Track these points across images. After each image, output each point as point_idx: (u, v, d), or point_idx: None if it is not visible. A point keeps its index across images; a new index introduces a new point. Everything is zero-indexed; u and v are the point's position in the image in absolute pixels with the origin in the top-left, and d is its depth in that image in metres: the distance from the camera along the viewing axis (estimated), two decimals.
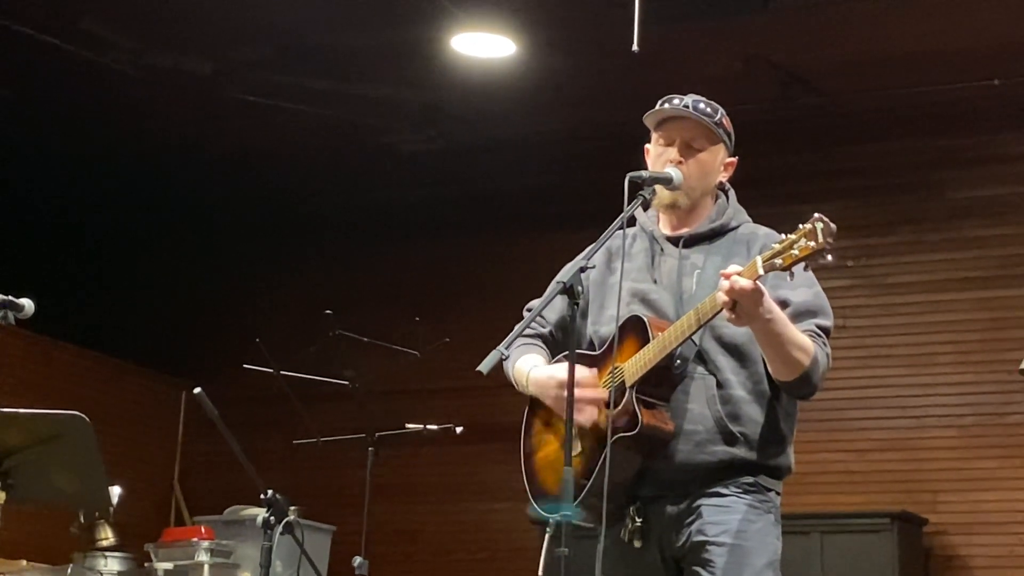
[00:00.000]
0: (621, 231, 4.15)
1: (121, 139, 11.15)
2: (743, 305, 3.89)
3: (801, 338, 4.06)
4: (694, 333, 4.07)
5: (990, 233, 10.23)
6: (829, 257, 3.78)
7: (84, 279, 12.49)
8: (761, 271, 3.86)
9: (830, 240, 3.75)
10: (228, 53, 9.84)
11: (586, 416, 4.12)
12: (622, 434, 4.07)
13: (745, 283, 3.85)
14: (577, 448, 4.16)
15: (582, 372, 4.09)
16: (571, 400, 3.90)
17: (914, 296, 10.40)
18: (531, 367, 4.35)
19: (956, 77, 9.70)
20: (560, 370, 4.15)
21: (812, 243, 3.77)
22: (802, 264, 3.81)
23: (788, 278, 3.89)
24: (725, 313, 3.92)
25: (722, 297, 3.89)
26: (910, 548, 9.49)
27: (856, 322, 10.18)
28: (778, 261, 3.83)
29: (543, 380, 4.27)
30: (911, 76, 9.76)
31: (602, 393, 4.15)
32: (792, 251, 3.81)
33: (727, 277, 3.89)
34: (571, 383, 3.91)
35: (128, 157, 11.44)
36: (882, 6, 8.89)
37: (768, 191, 8.25)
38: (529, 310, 4.48)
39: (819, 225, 3.76)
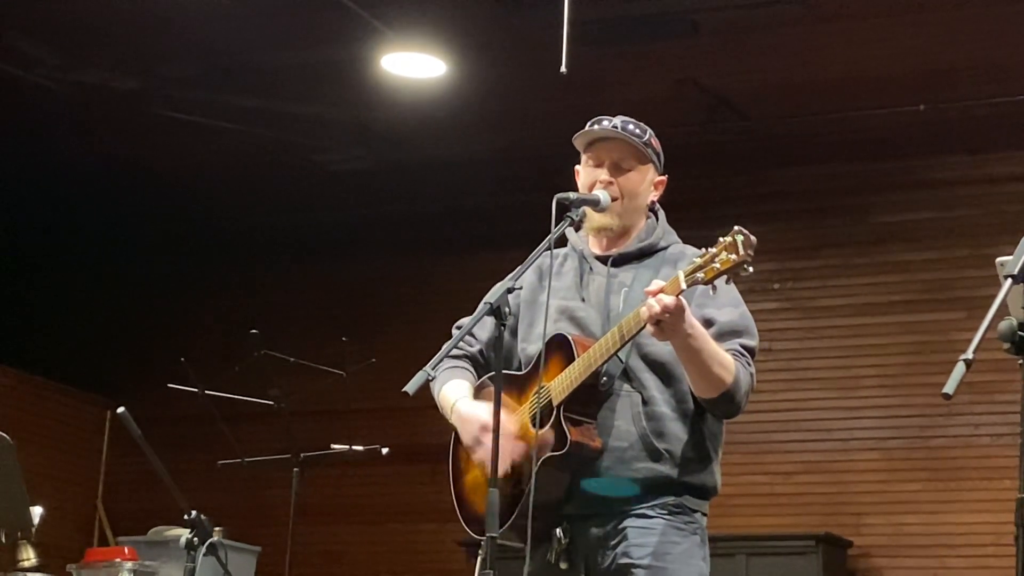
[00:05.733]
0: (549, 250, 4.16)
1: (45, 155, 11.06)
2: (666, 321, 3.89)
3: (724, 356, 4.07)
4: (619, 350, 4.06)
5: (915, 257, 10.32)
6: (750, 269, 3.80)
7: (7, 297, 12.36)
8: (683, 285, 3.87)
9: (750, 252, 3.77)
10: (155, 70, 9.78)
11: (501, 466, 4.07)
12: (551, 453, 4.06)
13: (668, 299, 3.86)
14: (507, 468, 4.15)
15: (506, 422, 4.04)
16: (497, 422, 3.88)
17: (839, 320, 10.46)
18: (457, 398, 4.32)
19: (882, 102, 9.78)
20: (484, 411, 4.13)
21: (733, 255, 3.78)
22: (724, 277, 3.83)
23: (711, 291, 3.91)
24: (649, 328, 3.92)
25: (646, 313, 3.90)
26: (834, 570, 9.54)
27: (782, 345, 10.23)
28: (700, 275, 3.84)
29: (466, 417, 4.25)
30: (837, 101, 9.84)
31: (522, 447, 4.12)
32: (713, 264, 3.82)
33: (651, 294, 3.89)
34: (498, 403, 3.90)
35: (52, 173, 11.35)
36: (809, 32, 8.96)
37: (695, 214, 8.29)
38: (459, 328, 4.46)
39: (739, 237, 3.78)
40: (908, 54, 9.16)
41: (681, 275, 3.88)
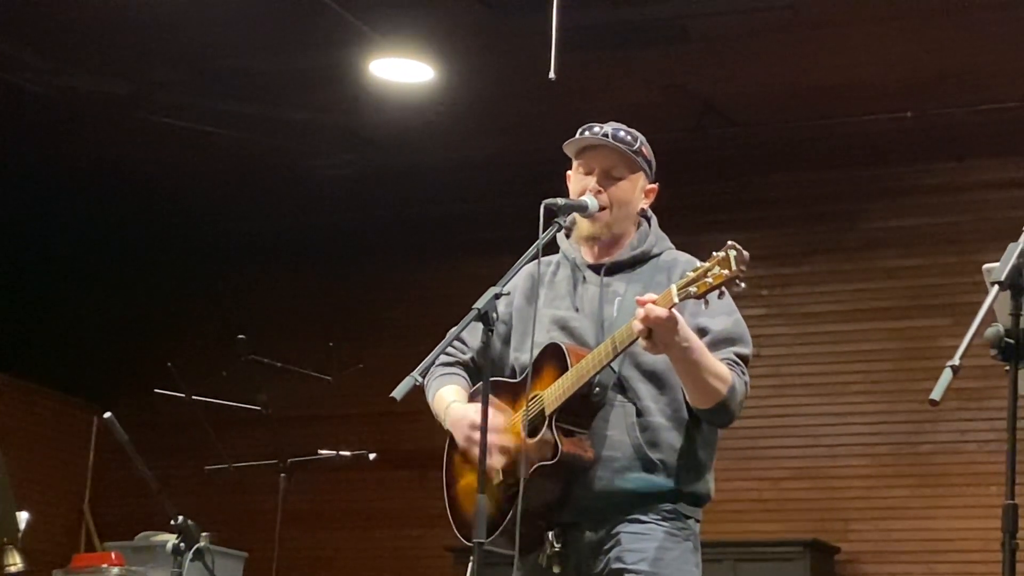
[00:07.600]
0: (536, 257, 4.15)
1: (35, 160, 11.04)
2: (658, 333, 3.89)
3: (718, 366, 4.07)
4: (611, 361, 4.06)
5: (903, 264, 10.33)
6: (742, 284, 3.80)
7: None
8: (676, 299, 3.86)
9: (743, 268, 3.77)
10: (146, 75, 9.78)
11: (493, 461, 4.09)
12: (541, 463, 4.06)
13: (660, 311, 3.86)
14: (499, 476, 4.16)
15: (495, 418, 4.08)
16: (484, 429, 3.88)
17: (827, 325, 10.47)
18: (450, 402, 4.33)
19: (870, 109, 9.81)
20: (474, 411, 4.12)
21: (725, 271, 3.79)
22: (716, 292, 3.83)
23: (703, 306, 3.91)
24: (641, 341, 3.92)
25: (638, 325, 3.90)
26: None
27: (770, 351, 10.23)
28: (693, 289, 3.84)
29: (457, 419, 4.25)
30: (826, 108, 9.86)
31: (511, 441, 4.13)
32: (706, 279, 3.82)
33: (642, 304, 3.89)
34: (485, 410, 3.89)
35: (42, 178, 11.33)
36: (797, 39, 8.97)
37: (683, 220, 8.27)
38: None
39: (732, 253, 3.78)
40: (896, 61, 9.18)
41: (674, 288, 3.87)
